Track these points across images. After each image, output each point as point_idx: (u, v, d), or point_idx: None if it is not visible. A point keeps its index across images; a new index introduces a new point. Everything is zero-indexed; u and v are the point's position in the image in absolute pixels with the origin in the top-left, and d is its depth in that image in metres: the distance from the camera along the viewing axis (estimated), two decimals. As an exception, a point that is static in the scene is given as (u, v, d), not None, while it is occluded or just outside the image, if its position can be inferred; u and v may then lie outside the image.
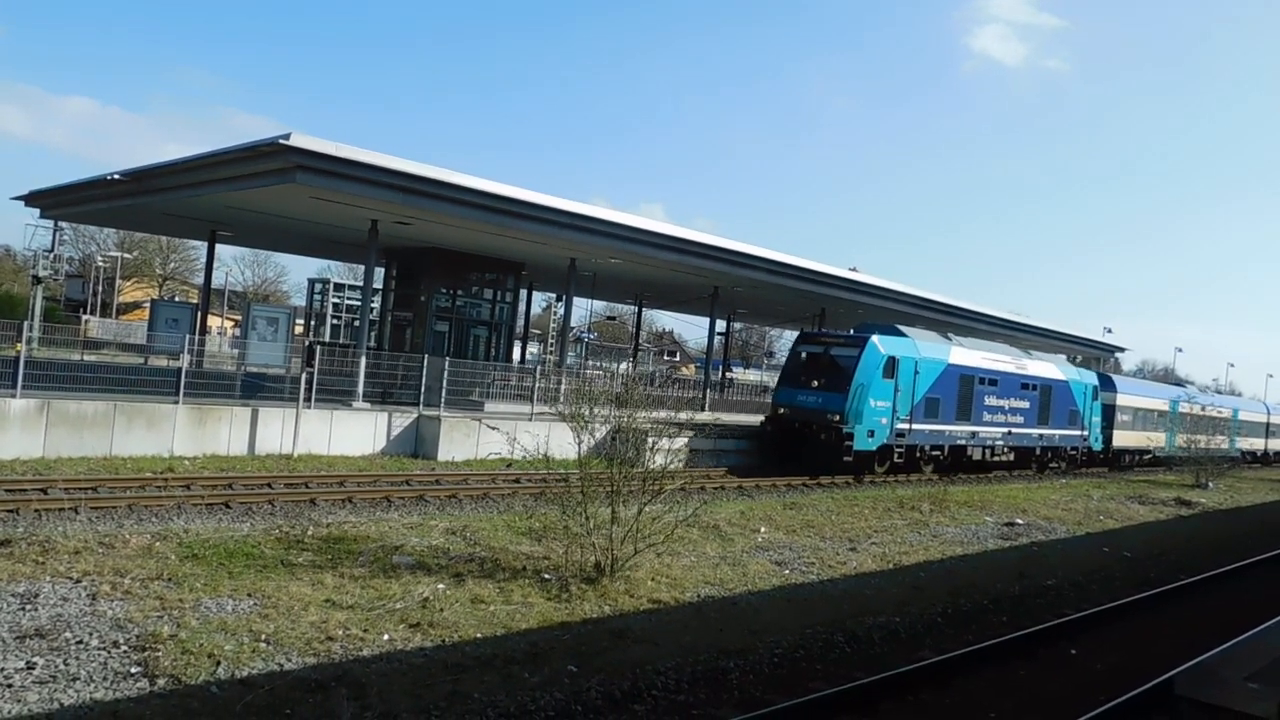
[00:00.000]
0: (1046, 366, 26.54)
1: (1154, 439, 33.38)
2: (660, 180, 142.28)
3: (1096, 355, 43.65)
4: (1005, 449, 24.21)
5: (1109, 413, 29.81)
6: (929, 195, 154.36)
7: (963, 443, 22.52)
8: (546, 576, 8.67)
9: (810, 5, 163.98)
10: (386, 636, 6.65)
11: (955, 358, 22.24)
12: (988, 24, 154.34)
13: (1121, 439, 30.86)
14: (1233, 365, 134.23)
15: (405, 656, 6.32)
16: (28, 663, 5.55)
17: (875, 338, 19.89)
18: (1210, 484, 26.86)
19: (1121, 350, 47.29)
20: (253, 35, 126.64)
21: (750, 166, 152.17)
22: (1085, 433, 27.88)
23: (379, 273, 23.80)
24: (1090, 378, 29.05)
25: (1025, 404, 24.71)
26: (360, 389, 17.53)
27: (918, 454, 21.36)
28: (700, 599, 8.66)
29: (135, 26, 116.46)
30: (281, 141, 14.35)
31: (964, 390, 22.33)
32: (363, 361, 17.91)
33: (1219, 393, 57.20)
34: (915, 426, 20.81)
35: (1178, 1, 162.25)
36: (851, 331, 21.39)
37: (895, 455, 20.44)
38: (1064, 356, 30.08)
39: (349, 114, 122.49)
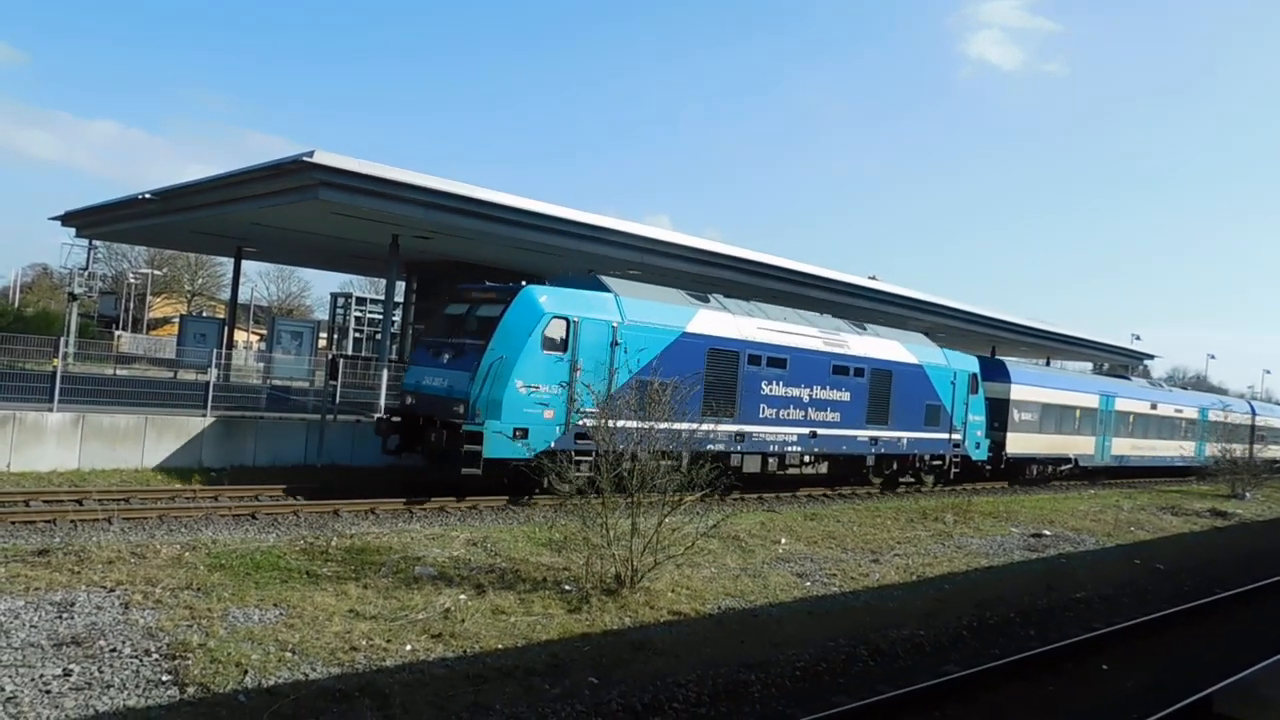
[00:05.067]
0: (884, 345, 19.44)
1: (1076, 445, 26.06)
2: (665, 192, 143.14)
3: (1125, 363, 42.87)
4: (807, 456, 17.42)
5: (999, 410, 22.76)
6: (941, 203, 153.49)
7: (719, 447, 14.75)
8: (567, 588, 8.69)
9: (802, 17, 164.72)
10: (409, 647, 6.71)
11: (700, 325, 15.27)
12: (982, 29, 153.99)
13: (1021, 444, 23.60)
14: (1269, 372, 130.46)
15: (427, 667, 6.37)
16: (65, 670, 5.69)
17: (536, 289, 13.45)
18: (1247, 494, 26.19)
19: (1150, 357, 46.37)
20: (266, 57, 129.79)
21: (753, 177, 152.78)
22: (956, 436, 20.79)
23: (400, 286, 24.17)
24: (963, 362, 21.52)
25: (844, 395, 17.90)
26: (382, 401, 17.74)
27: (628, 462, 14.44)
28: (721, 611, 8.62)
29: (154, 50, 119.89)
30: (305, 159, 14.67)
31: (719, 372, 15.39)
32: (384, 374, 18.14)
33: (1255, 399, 53.70)
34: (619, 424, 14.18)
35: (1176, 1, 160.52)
36: (524, 283, 13.94)
37: (578, 466, 13.44)
38: (924, 335, 22.96)
39: (360, 130, 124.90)
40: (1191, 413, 33.02)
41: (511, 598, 8.17)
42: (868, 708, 6.09)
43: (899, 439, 19.45)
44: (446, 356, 13.57)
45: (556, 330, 13.22)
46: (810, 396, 17.29)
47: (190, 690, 5.56)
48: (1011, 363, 25.48)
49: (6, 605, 6.77)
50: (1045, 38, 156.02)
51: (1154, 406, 29.92)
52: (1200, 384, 66.26)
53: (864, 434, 18.60)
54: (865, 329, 19.73)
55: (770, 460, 16.72)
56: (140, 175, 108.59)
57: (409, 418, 13.70)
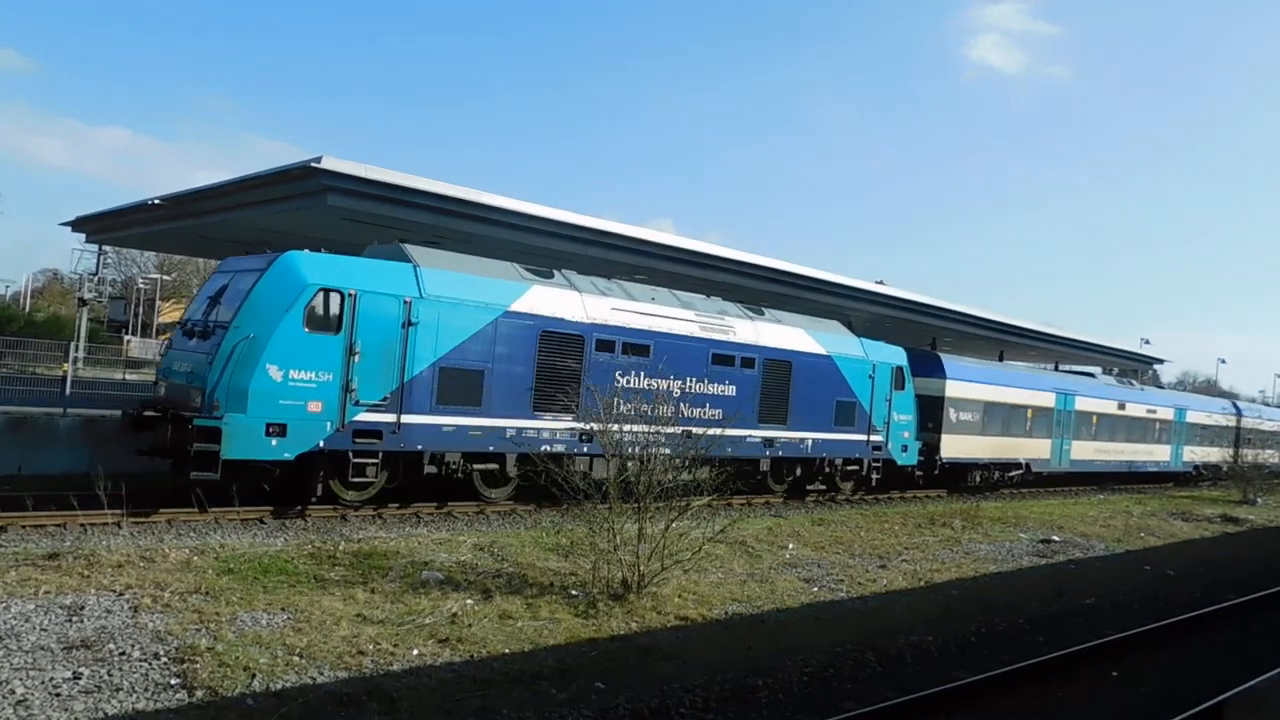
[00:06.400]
0: (783, 333, 16.73)
1: (1027, 448, 23.57)
2: (669, 196, 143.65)
3: (1134, 367, 42.58)
4: (679, 460, 14.71)
5: (932, 408, 20.26)
6: (946, 207, 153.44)
7: (558, 448, 12.97)
8: (574, 593, 8.68)
9: (801, 22, 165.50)
10: (416, 651, 6.72)
11: (531, 303, 13.04)
12: (983, 33, 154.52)
13: (959, 447, 21.01)
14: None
15: (434, 671, 6.37)
16: (75, 673, 5.71)
17: (299, 255, 11.48)
18: (1259, 500, 25.98)
19: (1160, 361, 46.03)
20: (272, 65, 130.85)
21: (755, 182, 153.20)
22: (876, 437, 18.30)
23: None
24: (885, 354, 18.84)
25: (728, 389, 15.39)
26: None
27: (430, 464, 12.29)
28: (728, 616, 8.60)
29: (162, 58, 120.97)
30: (313, 165, 14.74)
31: (557, 360, 13.16)
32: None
33: (1266, 403, 52.29)
34: (415, 419, 11.77)
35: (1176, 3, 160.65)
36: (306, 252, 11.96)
37: (360, 469, 11.72)
38: (840, 323, 20.21)
39: (370, 141, 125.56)
40: (1166, 413, 30.21)
41: (518, 602, 8.17)
42: (876, 714, 6.06)
43: (801, 441, 16.80)
44: (195, 338, 11.60)
45: (325, 304, 11.02)
46: (683, 390, 14.44)
47: (198, 694, 5.58)
48: (948, 356, 22.64)
49: (17, 609, 6.82)
50: (1047, 41, 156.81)
51: (1122, 406, 27.44)
52: (1211, 388, 65.75)
53: (756, 434, 15.92)
54: (762, 314, 17.03)
55: (630, 464, 14.33)
56: (149, 181, 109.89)
57: (158, 410, 11.40)
